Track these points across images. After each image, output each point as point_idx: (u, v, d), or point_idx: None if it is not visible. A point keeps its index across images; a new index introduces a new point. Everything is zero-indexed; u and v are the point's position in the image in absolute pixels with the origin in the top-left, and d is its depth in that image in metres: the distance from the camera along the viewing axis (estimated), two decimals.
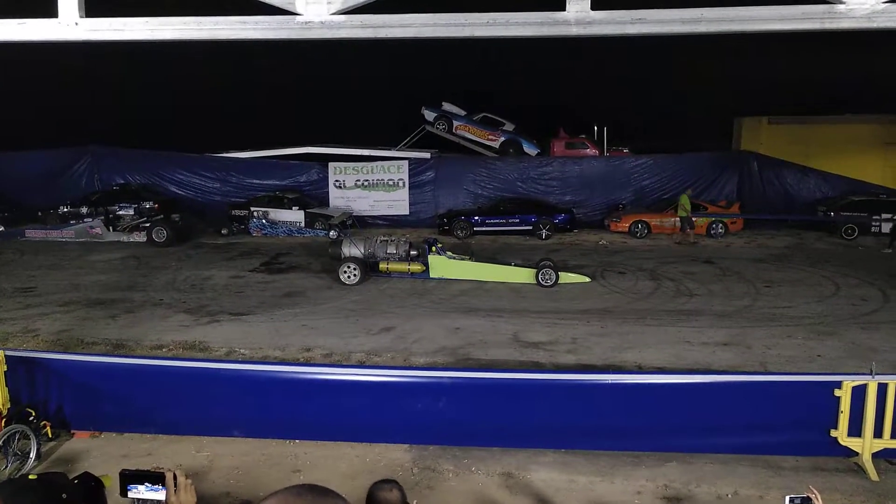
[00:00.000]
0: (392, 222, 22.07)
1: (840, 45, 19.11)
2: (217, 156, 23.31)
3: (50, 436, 6.99)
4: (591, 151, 23.45)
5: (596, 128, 24.33)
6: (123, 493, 2.64)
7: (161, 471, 2.59)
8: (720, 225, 19.80)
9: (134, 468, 2.67)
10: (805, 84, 25.29)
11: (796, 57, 23.14)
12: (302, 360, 9.82)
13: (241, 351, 10.21)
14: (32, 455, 6.66)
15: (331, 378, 7.27)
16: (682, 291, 13.87)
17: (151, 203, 20.01)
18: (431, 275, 14.76)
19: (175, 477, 2.53)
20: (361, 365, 9.25)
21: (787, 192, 21.67)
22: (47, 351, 9.15)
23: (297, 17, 4.58)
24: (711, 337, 10.81)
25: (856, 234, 19.22)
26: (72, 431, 7.26)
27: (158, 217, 19.57)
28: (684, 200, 19.01)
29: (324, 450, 6.93)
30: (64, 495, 2.29)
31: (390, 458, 6.78)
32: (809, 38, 13.89)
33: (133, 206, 19.75)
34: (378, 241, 15.15)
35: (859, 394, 6.48)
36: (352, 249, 14.92)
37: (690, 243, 18.56)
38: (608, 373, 7.73)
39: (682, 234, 19.01)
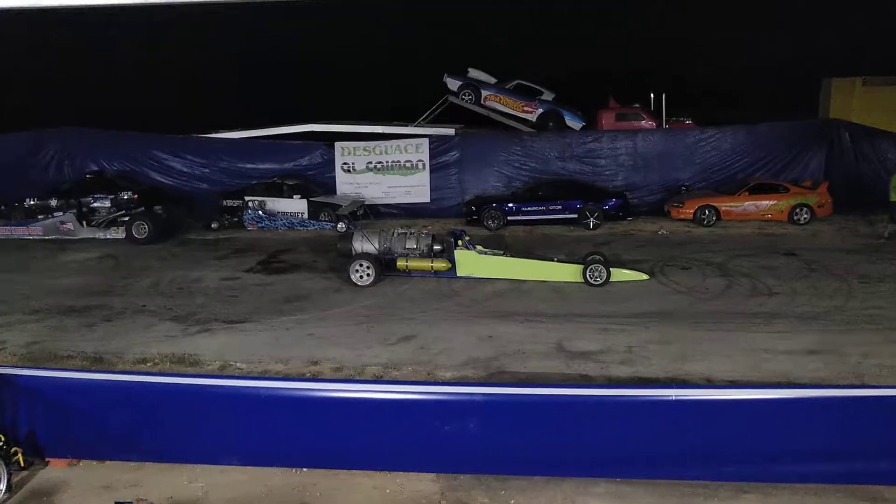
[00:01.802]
0: (411, 212, 22.05)
1: None
2: (205, 137, 23.46)
3: (22, 464, 7.14)
4: (646, 123, 23.18)
5: (653, 95, 24.05)
6: None
7: None
8: (805, 209, 19.52)
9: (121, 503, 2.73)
10: None
11: None
12: (308, 374, 9.88)
13: (238, 365, 10.31)
14: (3, 487, 6.82)
15: (342, 396, 7.32)
16: (760, 290, 13.68)
17: (130, 193, 20.19)
18: (459, 273, 14.75)
19: None
20: (378, 380, 9.29)
21: (886, 168, 21.23)
22: (16, 366, 9.26)
23: None
24: (795, 344, 10.67)
25: None
26: (46, 459, 7.42)
27: (139, 210, 19.77)
28: None
29: (336, 480, 6.97)
30: None
31: (414, 489, 6.80)
32: None
33: (109, 197, 19.99)
34: (395, 235, 15.18)
35: None
36: (364, 244, 14.96)
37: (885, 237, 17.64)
38: (671, 387, 7.67)
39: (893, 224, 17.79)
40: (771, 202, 19.65)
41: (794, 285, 13.86)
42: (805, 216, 19.52)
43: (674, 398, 6.96)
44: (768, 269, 15.11)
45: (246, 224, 20.63)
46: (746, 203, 19.74)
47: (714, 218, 19.76)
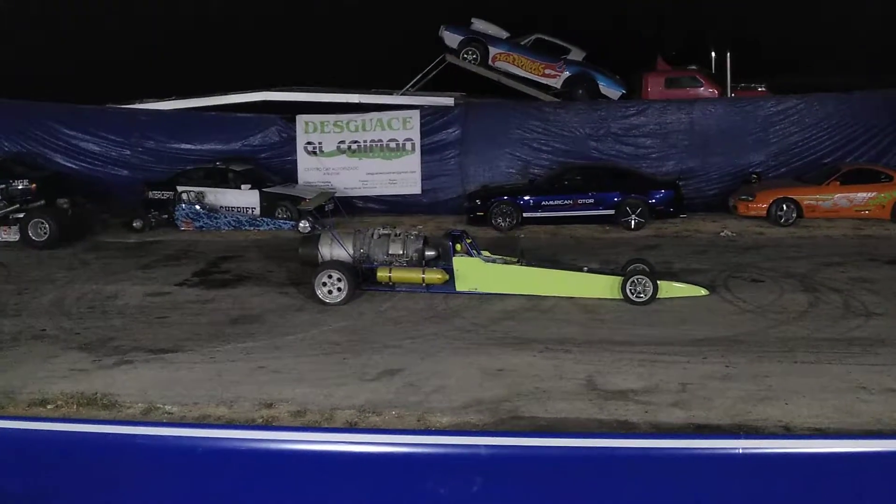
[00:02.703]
0: (396, 207, 22.13)
1: None
2: (126, 108, 23.54)
3: None
4: (706, 91, 23.28)
5: (714, 55, 24.14)
6: None
7: None
8: None
9: None
10: None
11: None
12: (260, 421, 9.85)
13: (167, 408, 10.27)
14: None
15: (305, 449, 7.30)
16: (854, 309, 13.67)
17: (26, 182, 20.15)
18: (459, 287, 14.77)
19: None
20: (352, 429, 9.28)
21: None
22: None
23: None
24: None
25: None
26: None
27: (37, 204, 19.78)
28: None
29: None
30: None
31: None
32: None
33: None
34: (375, 237, 15.18)
35: None
36: (334, 250, 14.96)
37: None
38: (738, 437, 7.64)
39: None
40: (869, 195, 19.76)
41: None
42: None
43: (741, 451, 6.93)
44: (866, 282, 15.12)
45: (179, 223, 20.67)
46: (837, 196, 19.82)
47: (794, 215, 19.83)
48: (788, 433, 9.16)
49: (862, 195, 19.73)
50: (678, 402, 10.26)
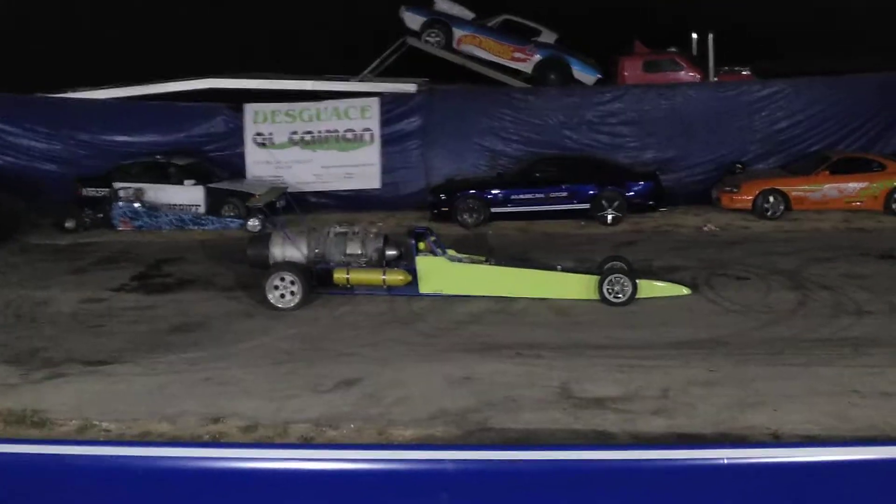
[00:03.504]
0: (353, 203, 22.07)
1: None
2: (56, 97, 23.28)
3: None
4: (687, 75, 23.42)
5: (695, 37, 24.30)
6: None
7: None
8: None
9: None
10: None
11: None
12: (207, 437, 9.82)
13: (104, 425, 10.19)
14: None
15: (256, 467, 7.27)
16: (845, 308, 13.82)
17: None
18: (422, 289, 14.78)
19: None
20: (307, 444, 9.26)
21: None
22: None
23: None
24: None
25: None
26: None
27: None
28: None
29: None
30: None
31: None
32: None
33: None
34: (331, 236, 15.16)
35: None
36: (287, 250, 14.93)
37: None
38: (723, 446, 7.70)
39: None
40: (860, 185, 19.93)
41: (894, 301, 14.01)
42: None
43: (726, 461, 6.99)
44: (857, 278, 15.28)
45: (116, 222, 20.54)
46: (826, 186, 19.98)
47: (781, 207, 19.97)
48: (777, 441, 9.23)
49: (853, 185, 19.86)
50: (659, 409, 10.29)
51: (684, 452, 7.61)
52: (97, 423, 10.26)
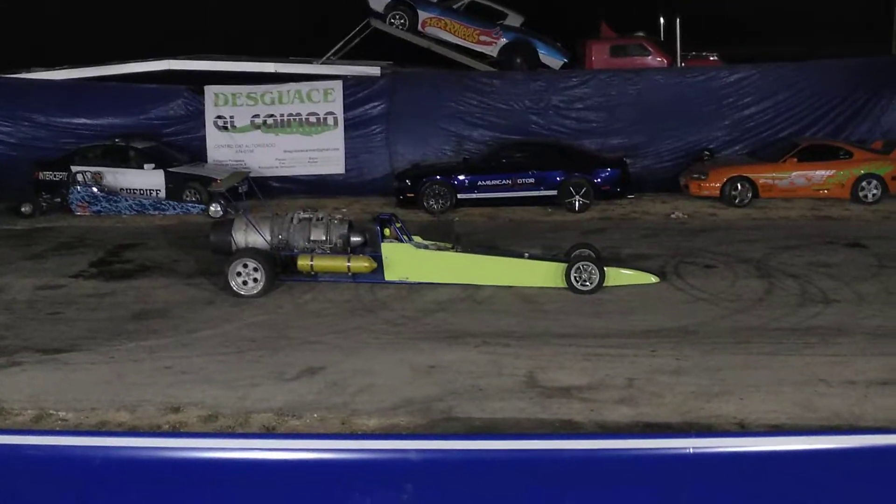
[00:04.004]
0: (317, 188, 21.99)
1: None
2: (11, 77, 23.01)
3: None
4: (654, 60, 23.48)
5: (662, 20, 24.36)
6: None
7: None
8: (874, 182, 19.93)
9: None
10: None
11: None
12: (167, 427, 9.77)
13: (61, 414, 10.13)
14: None
15: (217, 457, 7.22)
16: (812, 296, 13.92)
17: None
18: (388, 276, 14.76)
19: None
20: (269, 434, 9.23)
21: None
22: None
23: None
24: (862, 372, 10.87)
25: None
26: None
27: None
28: None
29: None
30: None
31: None
32: None
33: None
34: (295, 222, 15.09)
35: None
36: (249, 236, 14.85)
37: None
38: (689, 436, 7.73)
39: None
40: (828, 172, 20.04)
41: (860, 289, 14.15)
42: (875, 192, 19.95)
43: (692, 451, 7.02)
44: (824, 266, 15.40)
45: (74, 207, 20.37)
46: (794, 174, 20.08)
47: (749, 195, 20.07)
48: (743, 430, 9.29)
49: (820, 173, 19.96)
50: (625, 398, 10.35)
51: (651, 442, 7.67)
52: (53, 412, 10.20)
